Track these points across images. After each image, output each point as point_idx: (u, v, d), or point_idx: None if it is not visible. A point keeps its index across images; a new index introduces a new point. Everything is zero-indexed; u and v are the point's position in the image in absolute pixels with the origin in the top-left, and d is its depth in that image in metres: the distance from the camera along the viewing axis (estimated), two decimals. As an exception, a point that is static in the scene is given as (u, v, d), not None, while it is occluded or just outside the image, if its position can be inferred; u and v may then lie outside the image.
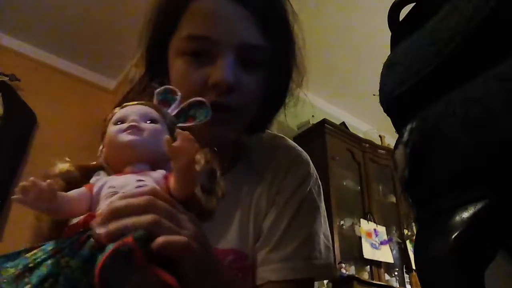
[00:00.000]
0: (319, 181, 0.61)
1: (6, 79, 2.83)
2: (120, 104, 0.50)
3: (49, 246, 0.38)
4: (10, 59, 2.96)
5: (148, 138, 0.45)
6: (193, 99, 0.45)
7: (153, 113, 0.47)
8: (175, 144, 0.39)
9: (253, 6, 0.48)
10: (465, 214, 0.36)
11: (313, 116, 3.35)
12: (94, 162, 0.48)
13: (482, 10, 0.36)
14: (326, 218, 0.60)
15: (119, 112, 0.48)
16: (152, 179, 0.44)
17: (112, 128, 0.47)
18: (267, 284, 0.53)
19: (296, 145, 0.63)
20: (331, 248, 0.57)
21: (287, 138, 0.64)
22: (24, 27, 2.98)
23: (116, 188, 0.43)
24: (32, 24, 2.96)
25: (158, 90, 0.47)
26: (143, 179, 0.43)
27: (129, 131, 0.45)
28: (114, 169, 0.47)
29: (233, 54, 0.47)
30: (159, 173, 0.45)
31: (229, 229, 0.54)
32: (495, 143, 0.34)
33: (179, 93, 0.46)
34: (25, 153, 2.77)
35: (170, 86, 0.47)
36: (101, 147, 0.48)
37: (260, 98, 0.52)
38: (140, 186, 0.42)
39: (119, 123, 0.47)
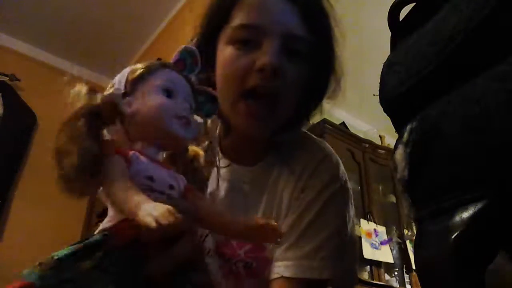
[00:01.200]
0: (348, 185, 0.61)
1: (6, 79, 2.83)
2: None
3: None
4: (10, 59, 2.96)
5: (194, 134, 0.44)
6: (208, 89, 0.47)
7: (191, 93, 0.45)
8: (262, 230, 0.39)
9: (300, 1, 0.52)
10: (465, 214, 0.36)
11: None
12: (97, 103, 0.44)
13: (482, 10, 0.36)
14: (354, 224, 0.59)
15: (167, 79, 0.44)
16: (180, 184, 0.43)
17: (162, 100, 0.43)
18: (280, 279, 0.53)
19: (329, 147, 0.64)
20: (357, 255, 0.57)
21: (322, 140, 0.65)
22: (24, 27, 2.98)
23: (152, 183, 0.40)
24: (32, 24, 2.96)
25: (179, 49, 0.46)
26: (173, 183, 0.42)
27: (184, 122, 0.43)
28: (131, 135, 0.43)
29: (278, 41, 0.50)
30: (183, 180, 0.44)
31: (253, 214, 0.55)
32: (495, 143, 0.34)
33: (198, 56, 0.46)
34: (25, 153, 2.77)
35: (190, 47, 0.47)
36: (127, 101, 0.43)
37: (299, 91, 0.53)
38: (172, 188, 0.41)
39: (166, 94, 0.43)
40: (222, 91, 0.52)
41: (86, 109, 0.42)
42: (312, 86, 0.55)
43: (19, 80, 2.88)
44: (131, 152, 0.41)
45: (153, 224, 0.33)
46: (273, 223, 0.37)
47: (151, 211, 0.34)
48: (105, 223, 0.40)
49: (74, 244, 0.37)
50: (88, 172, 0.38)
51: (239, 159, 0.59)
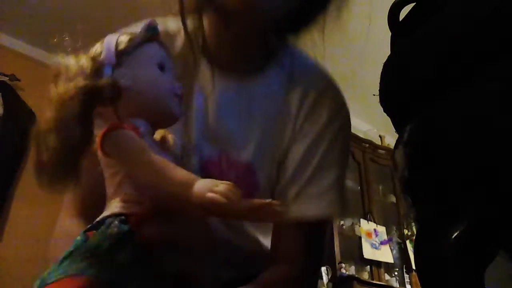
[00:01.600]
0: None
1: (6, 79, 2.83)
2: None
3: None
4: (10, 59, 2.96)
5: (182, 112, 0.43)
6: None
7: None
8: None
9: None
10: (465, 214, 0.36)
11: (313, 116, 3.35)
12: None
13: (481, 11, 0.36)
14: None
15: (159, 53, 0.41)
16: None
17: (158, 76, 0.40)
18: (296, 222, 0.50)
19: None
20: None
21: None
22: (24, 27, 2.98)
23: None
24: (32, 24, 2.96)
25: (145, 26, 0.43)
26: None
27: (179, 99, 0.41)
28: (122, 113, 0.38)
29: None
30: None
31: (248, 139, 0.52)
32: (495, 143, 0.34)
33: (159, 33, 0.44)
34: (25, 153, 2.77)
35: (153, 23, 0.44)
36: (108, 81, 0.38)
37: None
38: None
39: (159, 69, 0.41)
40: None
41: (83, 88, 0.37)
42: None
43: (19, 80, 2.88)
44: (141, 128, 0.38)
45: (223, 199, 0.31)
46: (273, 202, 0.34)
47: (213, 187, 0.32)
48: (115, 207, 0.36)
49: (88, 230, 0.35)
50: (69, 161, 0.35)
51: (234, 63, 0.52)
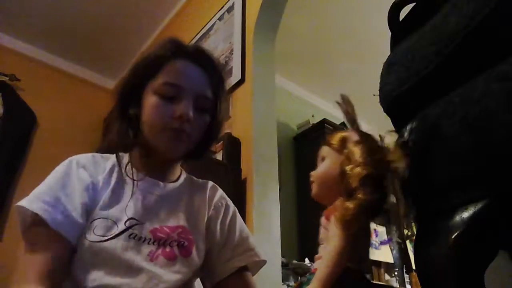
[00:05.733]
0: None
1: (6, 79, 2.83)
2: None
3: None
4: (10, 59, 2.96)
5: None
6: None
7: None
8: None
9: (209, 72, 0.76)
10: (465, 214, 0.36)
11: (313, 116, 3.35)
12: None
13: (482, 10, 0.36)
14: None
15: None
16: None
17: None
18: (236, 272, 0.74)
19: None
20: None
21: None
22: (24, 27, 2.98)
23: None
24: (32, 24, 2.96)
25: None
26: None
27: None
28: None
29: (192, 99, 0.73)
30: None
31: (178, 214, 0.75)
32: (495, 143, 0.34)
33: None
34: (25, 153, 2.77)
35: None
36: None
37: (201, 133, 0.76)
38: None
39: None
40: (149, 125, 0.71)
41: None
42: (208, 130, 0.77)
43: (19, 80, 2.88)
44: None
45: None
46: None
47: None
48: None
49: None
50: None
51: (156, 174, 0.76)
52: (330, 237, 0.56)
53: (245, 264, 0.75)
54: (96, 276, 0.59)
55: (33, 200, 0.59)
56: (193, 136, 0.74)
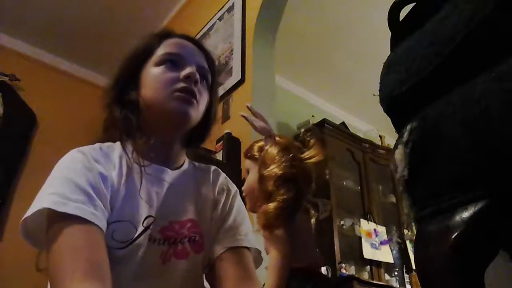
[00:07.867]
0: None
1: (6, 79, 2.83)
2: None
3: None
4: (10, 59, 2.96)
5: None
6: None
7: None
8: None
9: (203, 49, 0.79)
10: (465, 214, 0.36)
11: (313, 116, 3.35)
12: None
13: (481, 10, 0.36)
14: None
15: None
16: None
17: None
18: (227, 251, 0.71)
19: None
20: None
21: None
22: (24, 27, 2.98)
23: None
24: (32, 24, 2.96)
25: None
26: None
27: None
28: None
29: (195, 67, 0.72)
30: None
31: (186, 205, 0.73)
32: (495, 143, 0.34)
33: None
34: (25, 153, 2.78)
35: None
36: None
37: (204, 108, 0.74)
38: None
39: None
40: (155, 97, 0.69)
41: None
42: (207, 113, 0.76)
43: (19, 80, 2.88)
44: None
45: None
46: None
47: None
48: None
49: None
50: None
51: (161, 161, 0.73)
52: (269, 246, 0.57)
53: (232, 246, 0.71)
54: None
55: (63, 203, 0.56)
56: (200, 104, 0.72)
